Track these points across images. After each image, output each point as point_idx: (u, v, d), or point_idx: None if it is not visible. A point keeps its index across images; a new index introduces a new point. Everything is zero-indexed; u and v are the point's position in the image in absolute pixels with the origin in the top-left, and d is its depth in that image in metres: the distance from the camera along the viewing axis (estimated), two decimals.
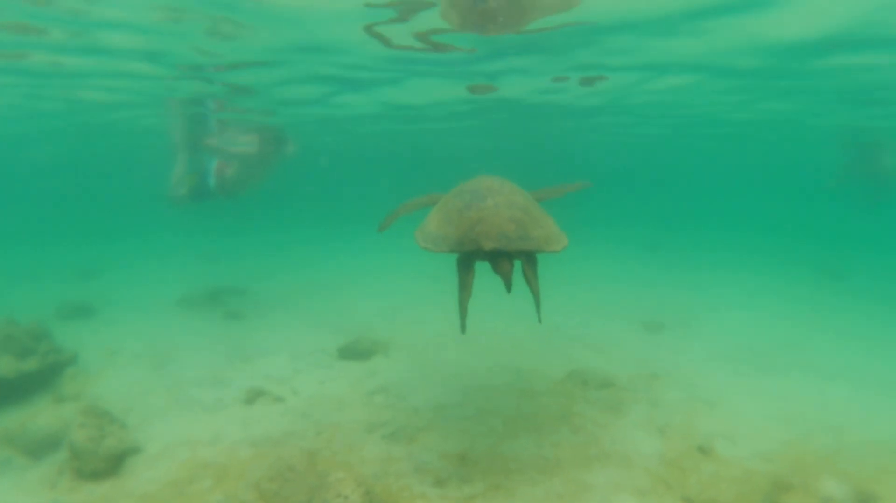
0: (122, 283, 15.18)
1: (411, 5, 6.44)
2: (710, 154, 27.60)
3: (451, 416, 6.68)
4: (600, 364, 8.46)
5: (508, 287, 4.29)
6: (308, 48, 8.27)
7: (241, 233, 25.47)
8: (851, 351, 9.79)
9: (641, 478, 5.42)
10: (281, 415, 6.94)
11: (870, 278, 17.20)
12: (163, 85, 10.59)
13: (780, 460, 5.83)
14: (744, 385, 7.99)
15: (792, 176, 37.37)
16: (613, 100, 13.13)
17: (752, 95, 12.24)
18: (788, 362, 9.07)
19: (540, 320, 4.59)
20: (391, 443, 6.09)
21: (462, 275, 4.47)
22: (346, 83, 10.92)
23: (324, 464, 5.47)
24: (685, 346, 9.62)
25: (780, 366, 8.86)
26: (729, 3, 6.38)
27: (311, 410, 7.01)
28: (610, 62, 9.24)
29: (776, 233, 31.80)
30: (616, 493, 5.17)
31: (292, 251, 21.22)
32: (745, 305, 12.70)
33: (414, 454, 5.83)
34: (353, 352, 8.71)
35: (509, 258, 4.27)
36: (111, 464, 5.74)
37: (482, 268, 4.62)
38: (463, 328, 4.49)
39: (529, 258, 4.56)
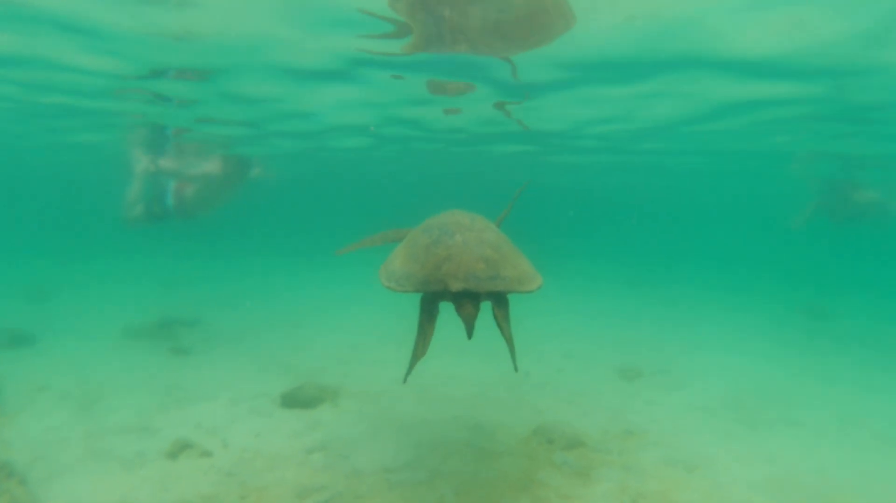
0: (72, 308, 14.22)
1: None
2: (691, 188, 27.47)
3: (397, 482, 5.86)
4: (570, 417, 7.70)
5: (469, 333, 3.77)
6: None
7: (208, 258, 24.48)
8: (841, 400, 9.18)
9: None
10: (204, 473, 6.08)
11: (853, 318, 16.75)
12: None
13: None
14: (727, 444, 7.27)
15: (772, 211, 37.41)
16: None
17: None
18: (775, 415, 8.40)
19: (516, 368, 4.06)
20: None
21: (423, 321, 4.01)
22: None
23: None
24: (663, 397, 8.91)
25: (766, 420, 8.18)
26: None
27: (239, 469, 6.15)
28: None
29: (756, 269, 31.57)
30: None
31: (258, 279, 20.31)
32: (726, 347, 12.08)
33: None
34: (298, 399, 7.85)
35: (475, 300, 3.79)
36: None
37: (446, 308, 4.12)
38: (406, 378, 4.12)
39: (500, 300, 4.06)
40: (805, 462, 6.88)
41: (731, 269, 30.59)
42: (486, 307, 4.08)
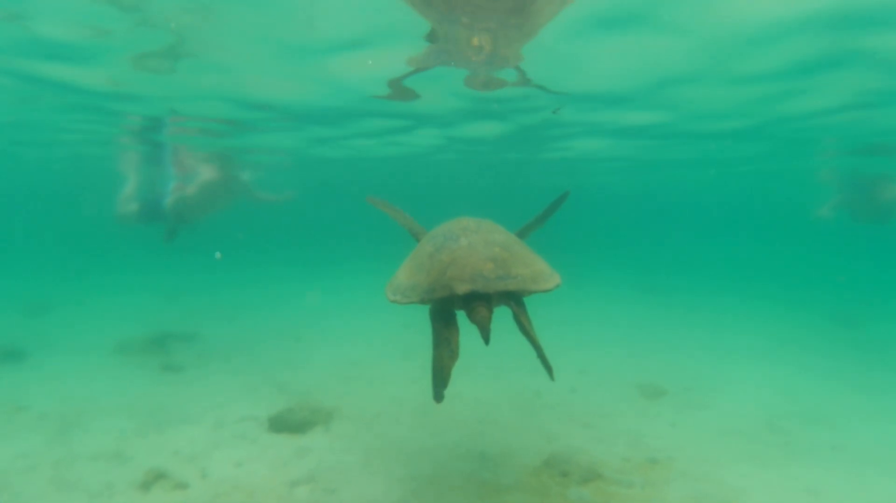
0: (69, 322, 13.75)
1: None
2: (714, 194, 26.52)
3: None
4: (587, 443, 6.94)
5: (486, 338, 3.45)
6: None
7: (213, 269, 23.97)
8: (884, 420, 8.31)
9: None
10: None
11: (884, 325, 15.72)
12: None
13: None
14: (762, 473, 6.46)
15: (797, 216, 36.23)
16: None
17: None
18: (814, 439, 7.56)
19: (552, 377, 3.69)
20: None
21: (440, 330, 3.66)
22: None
23: None
24: (689, 418, 8.10)
25: (804, 445, 7.34)
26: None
27: None
28: None
29: (780, 275, 30.41)
30: None
31: (264, 289, 19.74)
32: (754, 359, 11.22)
33: None
34: (287, 422, 7.18)
35: (487, 303, 3.54)
36: None
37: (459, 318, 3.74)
38: (439, 396, 3.59)
39: (517, 302, 3.77)
40: (852, 497, 6.06)
41: (751, 275, 29.46)
42: (495, 318, 3.69)
